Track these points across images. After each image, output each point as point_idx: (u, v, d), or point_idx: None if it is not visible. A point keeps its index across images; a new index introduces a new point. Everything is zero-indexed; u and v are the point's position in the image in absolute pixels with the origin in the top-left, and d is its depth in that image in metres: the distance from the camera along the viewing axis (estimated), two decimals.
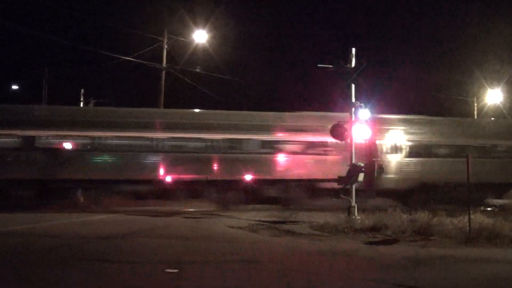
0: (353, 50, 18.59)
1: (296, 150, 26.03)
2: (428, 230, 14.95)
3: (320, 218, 18.84)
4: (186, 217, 20.45)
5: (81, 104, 27.83)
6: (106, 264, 10.12)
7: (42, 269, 9.53)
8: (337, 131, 18.68)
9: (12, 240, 13.50)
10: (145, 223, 17.97)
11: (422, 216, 16.43)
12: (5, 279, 8.84)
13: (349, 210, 18.06)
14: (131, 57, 35.00)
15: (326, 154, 25.57)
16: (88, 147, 24.70)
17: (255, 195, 25.44)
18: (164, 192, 24.90)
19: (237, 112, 26.72)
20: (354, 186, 18.32)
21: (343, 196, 18.70)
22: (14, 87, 55.76)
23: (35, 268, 9.65)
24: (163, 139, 25.05)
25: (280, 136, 25.95)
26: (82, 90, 28.23)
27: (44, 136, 24.33)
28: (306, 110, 27.46)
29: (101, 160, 24.59)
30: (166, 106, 35.67)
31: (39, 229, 15.89)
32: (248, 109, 28.19)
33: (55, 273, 9.27)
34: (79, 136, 24.52)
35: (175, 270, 9.58)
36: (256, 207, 24.88)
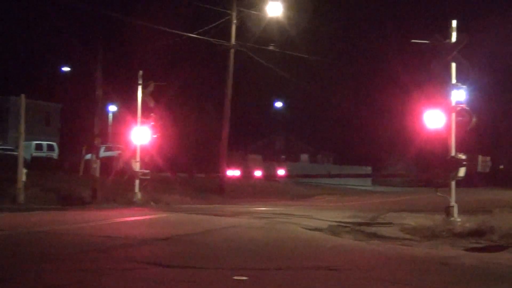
0: (454, 22, 18.09)
1: None
2: None
3: (412, 219, 18.52)
4: (255, 217, 20.49)
5: (139, 87, 28.19)
6: (171, 270, 10.20)
7: (90, 274, 9.65)
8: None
9: (65, 240, 13.80)
10: (208, 224, 18.08)
11: None
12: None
13: (447, 210, 17.63)
14: (195, 34, 35.32)
15: None
16: None
17: None
18: None
19: None
20: (453, 183, 17.88)
21: (440, 194, 18.31)
22: (65, 69, 57.48)
23: (90, 271, 9.80)
24: None
25: None
26: (141, 72, 28.52)
27: None
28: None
29: None
30: (236, 89, 35.79)
31: (89, 228, 16.23)
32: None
33: (106, 278, 9.38)
34: None
35: (244, 278, 9.55)
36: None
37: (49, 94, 68.68)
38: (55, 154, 54.88)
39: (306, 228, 17.24)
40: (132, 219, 19.53)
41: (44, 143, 55.73)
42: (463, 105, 17.90)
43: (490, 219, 16.16)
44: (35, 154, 51.86)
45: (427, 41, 18.23)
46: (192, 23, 36.26)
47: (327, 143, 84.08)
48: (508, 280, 10.15)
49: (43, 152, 53.70)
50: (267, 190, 44.32)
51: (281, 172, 51.81)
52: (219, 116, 41.46)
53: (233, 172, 40.21)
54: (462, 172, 17.64)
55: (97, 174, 28.94)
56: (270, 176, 50.16)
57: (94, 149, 31.50)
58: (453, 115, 17.93)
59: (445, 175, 17.85)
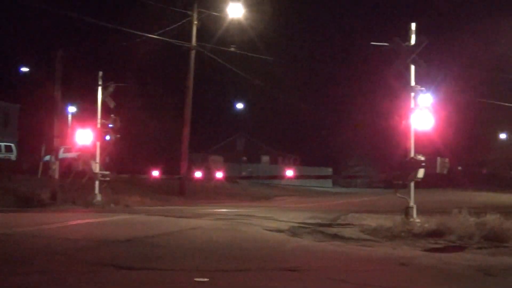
0: (413, 25, 18.25)
1: None
2: (499, 236, 14.63)
3: (372, 220, 18.65)
4: (217, 219, 20.47)
5: (99, 88, 27.97)
6: (131, 272, 10.16)
7: (49, 277, 9.58)
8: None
9: (23, 242, 13.64)
10: (169, 226, 18.03)
11: (493, 219, 16.09)
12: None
13: (406, 211, 17.80)
14: (155, 35, 35.18)
15: None
16: None
17: None
18: None
19: None
20: (412, 184, 18.07)
21: (399, 195, 18.49)
22: (24, 69, 56.74)
23: (48, 274, 9.72)
24: None
25: None
26: (100, 73, 28.28)
27: None
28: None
29: None
30: (196, 90, 35.72)
31: (49, 230, 16.05)
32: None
33: (65, 281, 9.33)
34: None
35: (206, 279, 9.56)
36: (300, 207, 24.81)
37: (7, 94, 67.70)
38: (13, 156, 54.12)
39: (267, 230, 17.26)
40: (92, 221, 19.37)
41: (2, 144, 54.93)
42: (423, 107, 18.11)
43: (448, 220, 16.32)
44: None
45: (387, 44, 18.39)
46: (153, 24, 36.12)
47: (289, 144, 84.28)
48: (466, 280, 10.30)
49: (1, 154, 52.94)
50: (229, 191, 44.32)
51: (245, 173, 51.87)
52: (180, 117, 41.33)
53: (195, 174, 40.14)
54: (421, 173, 17.85)
55: (56, 175, 28.64)
56: (232, 177, 50.19)
57: (53, 150, 31.16)
58: (411, 116, 18.12)
59: (403, 176, 18.04)
